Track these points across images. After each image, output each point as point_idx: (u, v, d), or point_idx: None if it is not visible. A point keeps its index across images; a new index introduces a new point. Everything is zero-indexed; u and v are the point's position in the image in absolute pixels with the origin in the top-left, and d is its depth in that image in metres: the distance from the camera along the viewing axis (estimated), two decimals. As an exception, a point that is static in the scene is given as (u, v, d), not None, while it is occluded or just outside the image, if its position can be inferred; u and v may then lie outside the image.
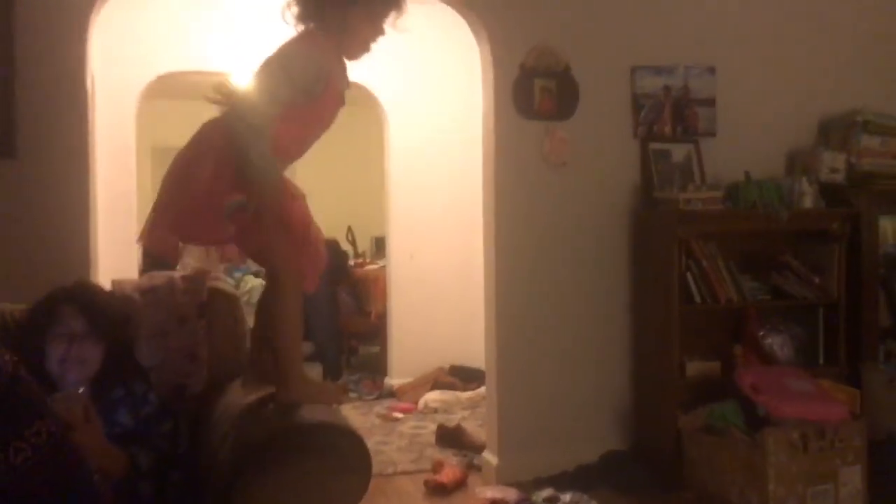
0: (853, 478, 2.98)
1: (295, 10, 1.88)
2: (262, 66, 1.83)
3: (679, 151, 3.63)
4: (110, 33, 4.35)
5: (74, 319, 1.87)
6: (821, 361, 3.55)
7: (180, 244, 1.86)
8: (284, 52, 1.83)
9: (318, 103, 1.84)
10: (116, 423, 1.85)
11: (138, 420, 1.90)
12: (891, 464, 3.12)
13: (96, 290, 2.08)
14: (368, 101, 5.33)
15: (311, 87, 1.80)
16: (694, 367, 3.42)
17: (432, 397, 4.85)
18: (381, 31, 1.91)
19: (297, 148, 1.90)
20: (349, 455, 1.68)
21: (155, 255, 2.66)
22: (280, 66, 1.80)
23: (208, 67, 4.85)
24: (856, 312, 3.55)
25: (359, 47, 1.92)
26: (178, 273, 2.26)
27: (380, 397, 5.17)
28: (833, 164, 3.64)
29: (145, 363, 2.08)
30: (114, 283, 2.23)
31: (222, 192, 1.72)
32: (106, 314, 1.94)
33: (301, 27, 1.88)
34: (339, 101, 1.91)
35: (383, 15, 1.89)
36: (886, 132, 3.74)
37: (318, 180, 9.07)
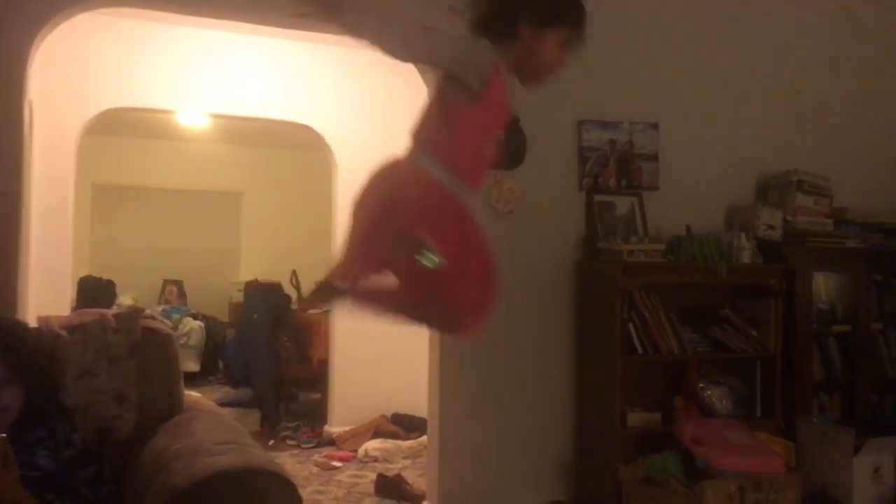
0: (789, 531, 3.00)
1: (476, 16, 1.71)
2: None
3: (623, 204, 3.69)
4: (55, 65, 4.29)
5: None
6: (758, 414, 3.59)
7: None
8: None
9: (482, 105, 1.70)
10: (35, 467, 1.75)
11: (59, 463, 1.81)
12: (825, 517, 3.16)
13: (15, 332, 1.98)
14: (316, 143, 5.33)
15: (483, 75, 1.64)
16: (635, 418, 3.43)
17: (372, 446, 4.75)
18: (564, 61, 1.79)
19: (478, 165, 1.74)
20: (280, 502, 1.62)
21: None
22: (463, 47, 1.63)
23: (154, 104, 4.81)
24: (791, 366, 3.63)
25: (542, 70, 1.80)
26: (110, 311, 2.18)
27: (318, 445, 5.04)
28: (770, 221, 3.76)
29: (70, 404, 1.99)
30: (40, 319, 2.14)
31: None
32: (24, 357, 1.85)
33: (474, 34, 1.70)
34: (505, 113, 1.78)
35: (570, 44, 1.77)
36: (819, 192, 3.88)
37: (263, 222, 9.05)
